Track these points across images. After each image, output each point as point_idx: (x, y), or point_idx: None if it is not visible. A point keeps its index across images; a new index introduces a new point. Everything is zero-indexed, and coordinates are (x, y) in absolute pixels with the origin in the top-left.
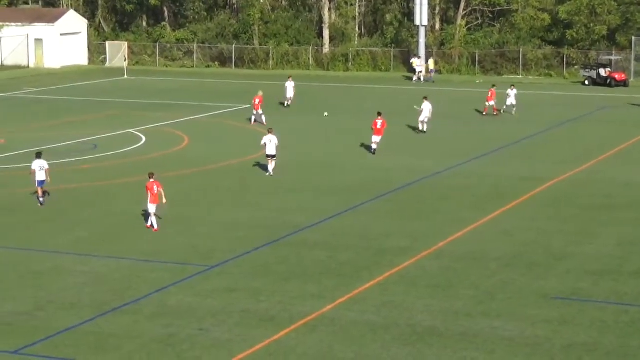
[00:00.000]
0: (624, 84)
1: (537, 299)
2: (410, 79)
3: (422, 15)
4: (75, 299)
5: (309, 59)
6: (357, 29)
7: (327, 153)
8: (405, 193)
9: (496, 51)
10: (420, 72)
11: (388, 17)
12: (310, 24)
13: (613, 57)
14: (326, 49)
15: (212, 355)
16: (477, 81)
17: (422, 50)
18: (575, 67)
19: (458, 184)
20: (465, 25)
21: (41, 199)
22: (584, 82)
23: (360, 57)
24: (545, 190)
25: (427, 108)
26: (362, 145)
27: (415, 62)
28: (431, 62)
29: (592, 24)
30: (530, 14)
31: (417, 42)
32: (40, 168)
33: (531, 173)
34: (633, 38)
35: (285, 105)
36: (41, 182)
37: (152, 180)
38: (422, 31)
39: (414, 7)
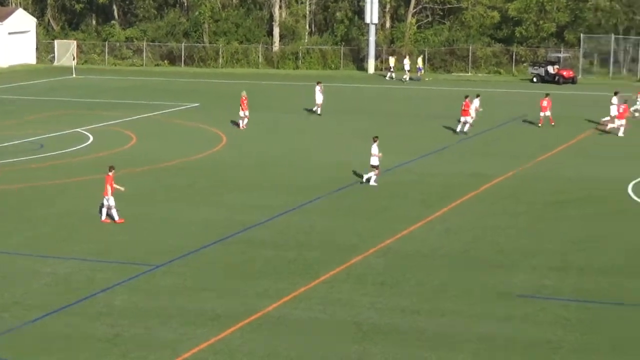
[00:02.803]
0: (572, 81)
1: (483, 295)
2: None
3: (372, 13)
4: (18, 299)
5: (258, 57)
6: (307, 26)
7: (278, 151)
8: (355, 190)
9: (446, 49)
10: (409, 70)
11: (339, 14)
12: (261, 21)
13: (561, 55)
14: (276, 47)
15: (157, 355)
16: (427, 79)
17: (372, 49)
18: (524, 64)
19: (407, 181)
20: (416, 23)
21: None
22: (532, 79)
23: (310, 55)
24: (494, 186)
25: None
26: (313, 143)
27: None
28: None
29: (541, 22)
30: (480, 12)
31: (367, 40)
32: None
33: (480, 170)
34: (581, 35)
35: (315, 111)
36: None
37: (109, 174)
38: (373, 29)
39: (364, 5)
